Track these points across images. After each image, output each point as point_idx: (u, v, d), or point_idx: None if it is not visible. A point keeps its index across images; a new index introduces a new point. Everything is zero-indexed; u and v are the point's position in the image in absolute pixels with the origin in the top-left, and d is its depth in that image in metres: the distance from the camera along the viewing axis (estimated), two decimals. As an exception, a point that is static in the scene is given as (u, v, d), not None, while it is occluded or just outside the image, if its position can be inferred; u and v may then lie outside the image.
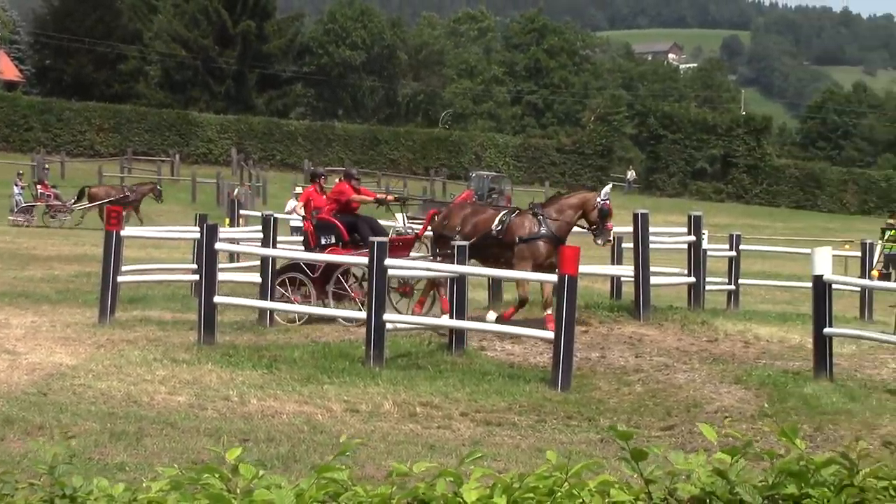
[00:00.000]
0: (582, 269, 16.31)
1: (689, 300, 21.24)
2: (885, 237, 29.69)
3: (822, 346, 14.96)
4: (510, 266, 17.47)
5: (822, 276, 15.12)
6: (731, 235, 25.32)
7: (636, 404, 13.36)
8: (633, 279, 19.51)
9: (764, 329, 19.21)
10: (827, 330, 14.91)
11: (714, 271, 25.72)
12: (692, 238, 20.84)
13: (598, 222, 17.57)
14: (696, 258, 20.95)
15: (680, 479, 3.13)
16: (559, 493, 2.96)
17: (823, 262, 15.28)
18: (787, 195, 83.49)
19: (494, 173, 67.40)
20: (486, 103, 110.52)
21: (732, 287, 24.01)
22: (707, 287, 21.78)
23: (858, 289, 22.62)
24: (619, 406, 13.24)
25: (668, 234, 24.07)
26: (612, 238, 18.25)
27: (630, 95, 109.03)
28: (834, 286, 15.63)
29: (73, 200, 43.86)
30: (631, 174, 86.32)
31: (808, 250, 16.75)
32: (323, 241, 18.86)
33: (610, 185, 18.77)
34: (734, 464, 3.13)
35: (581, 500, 2.94)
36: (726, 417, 12.39)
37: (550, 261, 17.10)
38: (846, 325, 18.54)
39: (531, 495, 2.97)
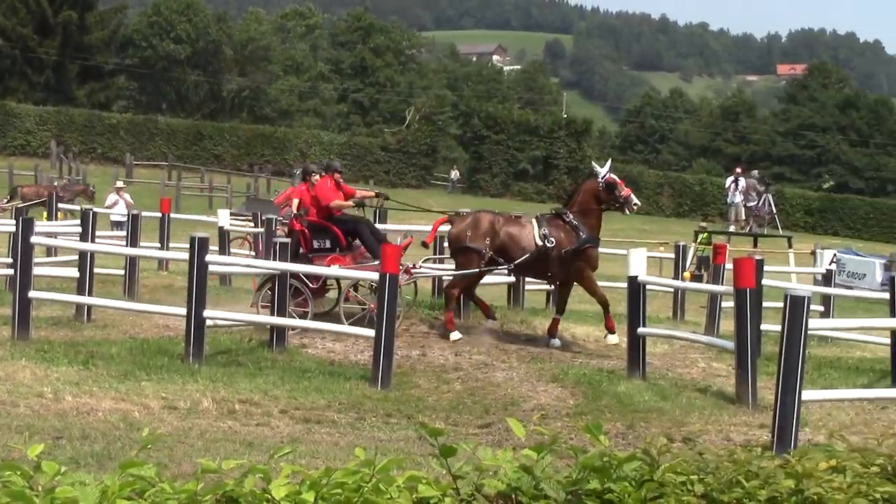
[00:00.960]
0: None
1: (509, 299, 21.51)
2: (699, 240, 30.55)
3: (636, 345, 15.33)
4: (555, 280, 18.22)
5: (636, 276, 15.49)
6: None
7: (455, 402, 13.47)
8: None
9: (581, 328, 19.57)
10: (640, 330, 15.28)
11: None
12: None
13: (616, 197, 17.78)
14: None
15: (488, 475, 3.20)
16: (366, 489, 3.00)
17: (638, 263, 15.67)
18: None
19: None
20: (312, 100, 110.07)
21: (551, 287, 24.38)
22: (526, 287, 22.07)
23: (672, 290, 23.21)
24: (438, 404, 13.34)
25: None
26: (637, 202, 17.98)
27: (455, 96, 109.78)
28: (648, 287, 16.04)
29: (6, 200, 42.22)
30: (455, 174, 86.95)
31: (624, 251, 17.13)
32: (316, 245, 17.83)
33: (609, 163, 18.38)
34: (540, 460, 3.21)
35: (388, 496, 2.99)
36: (542, 415, 12.62)
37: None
38: (659, 325, 19.04)
39: (339, 491, 3.00)
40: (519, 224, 17.82)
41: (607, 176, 17.64)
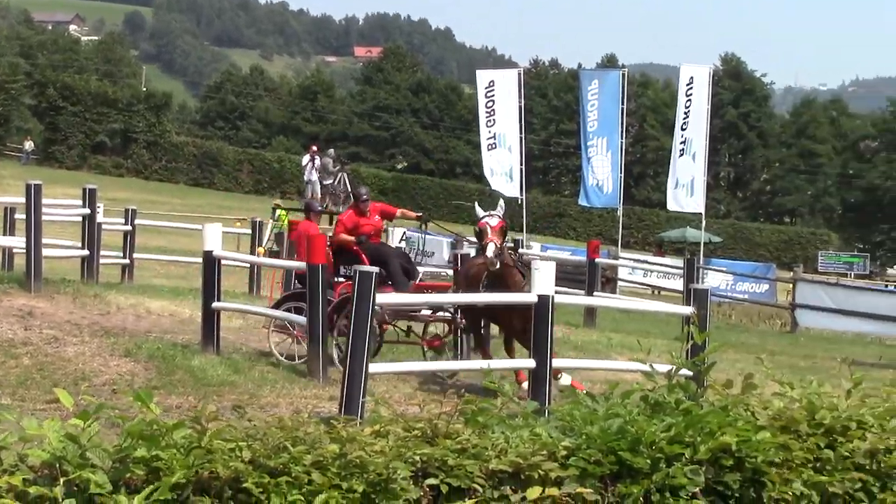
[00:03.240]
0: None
1: (83, 273, 21.05)
2: (276, 216, 30.84)
3: (210, 319, 15.40)
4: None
5: (211, 251, 15.54)
6: (127, 210, 25.32)
7: (23, 377, 13.10)
8: (24, 251, 19.05)
9: (156, 303, 19.41)
10: (215, 304, 15.37)
11: (110, 245, 25.60)
12: (87, 211, 20.65)
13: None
14: (90, 231, 20.80)
15: (32, 445, 3.18)
16: None
17: (213, 237, 15.72)
18: (185, 172, 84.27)
19: None
20: None
21: (127, 261, 24.06)
22: (102, 261, 21.68)
23: (248, 265, 23.40)
24: (5, 379, 12.93)
25: (63, 207, 23.69)
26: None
27: (28, 64, 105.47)
28: (223, 262, 16.12)
29: None
30: (29, 145, 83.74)
31: (200, 227, 17.12)
32: (342, 272, 15.93)
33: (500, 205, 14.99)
34: (87, 428, 3.22)
35: None
36: (113, 389, 12.47)
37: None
38: (235, 300, 19.13)
39: None
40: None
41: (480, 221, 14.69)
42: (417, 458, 4.08)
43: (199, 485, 3.34)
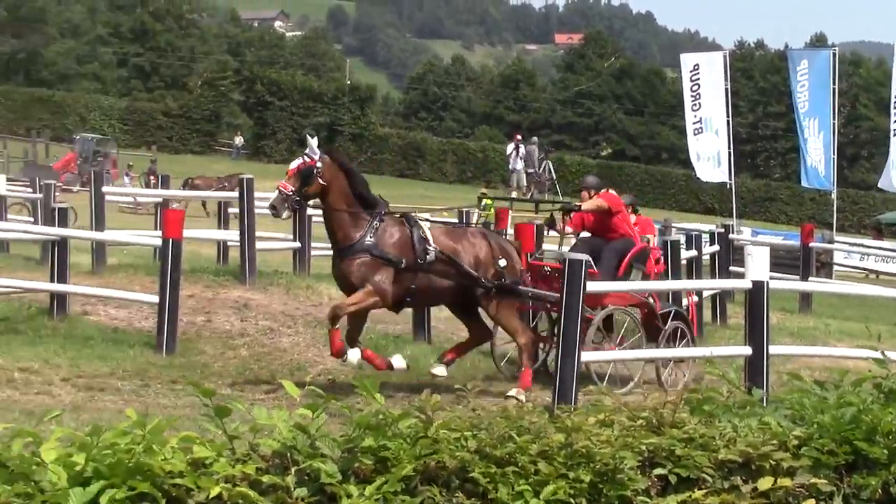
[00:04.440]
0: (187, 233, 16.22)
1: (295, 265, 21.44)
2: (482, 206, 31.00)
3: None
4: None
5: (419, 241, 15.61)
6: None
7: (241, 368, 13.43)
8: (238, 244, 19.51)
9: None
10: (425, 294, 15.43)
11: (320, 237, 26.00)
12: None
13: None
14: (301, 224, 21.16)
15: (263, 434, 3.22)
16: (137, 450, 2.98)
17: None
18: (390, 163, 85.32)
19: (100, 136, 65.59)
20: (91, 64, 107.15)
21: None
22: (312, 252, 22.05)
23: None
24: (224, 370, 13.28)
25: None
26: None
27: (237, 61, 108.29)
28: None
29: None
30: (239, 140, 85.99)
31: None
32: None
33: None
34: (315, 418, 3.24)
35: (162, 457, 2.98)
36: (329, 379, 12.66)
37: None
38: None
39: (110, 452, 2.97)
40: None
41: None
42: (644, 447, 4.01)
43: (427, 474, 3.34)
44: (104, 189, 21.89)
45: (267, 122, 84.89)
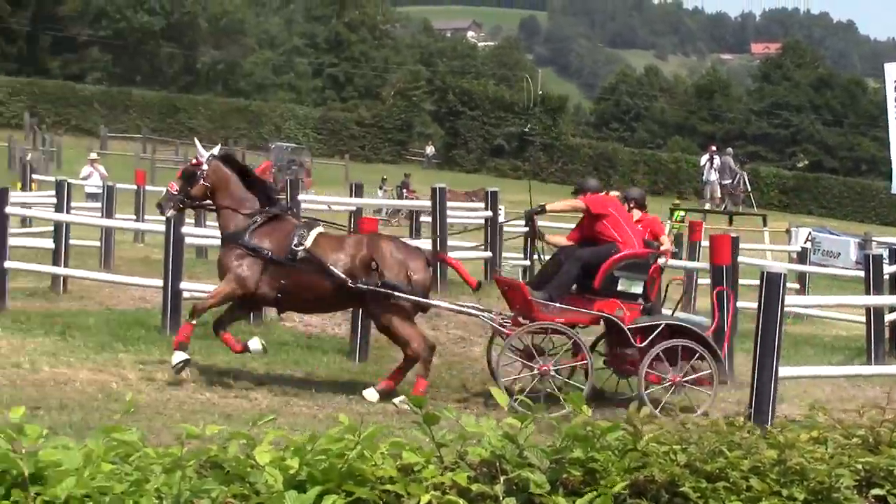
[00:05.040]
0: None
1: (486, 274, 21.47)
2: (674, 217, 30.60)
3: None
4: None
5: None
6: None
7: (432, 376, 13.46)
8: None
9: (562, 304, 19.52)
10: (617, 305, 15.27)
11: (511, 247, 26.05)
12: (489, 213, 21.10)
13: None
14: (492, 233, 21.21)
15: (471, 443, 3.20)
16: (350, 455, 2.99)
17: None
18: (581, 174, 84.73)
19: (294, 145, 67.00)
20: (287, 75, 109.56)
21: (528, 263, 24.37)
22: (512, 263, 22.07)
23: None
24: (415, 378, 13.34)
25: (466, 209, 24.32)
26: None
27: (429, 71, 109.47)
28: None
29: None
30: (430, 149, 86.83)
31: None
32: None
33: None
34: (524, 428, 3.21)
35: (373, 463, 2.98)
36: (520, 390, 12.61)
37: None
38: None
39: (323, 457, 2.99)
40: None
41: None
42: (860, 466, 3.87)
43: (636, 488, 3.28)
44: (300, 197, 22.29)
45: (458, 131, 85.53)
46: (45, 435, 2.92)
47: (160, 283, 14.95)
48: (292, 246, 12.35)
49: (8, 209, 15.90)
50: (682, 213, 30.32)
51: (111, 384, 11.70)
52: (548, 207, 13.20)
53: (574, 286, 12.71)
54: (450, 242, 20.08)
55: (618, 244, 12.74)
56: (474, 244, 23.03)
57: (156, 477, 2.88)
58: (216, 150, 13.21)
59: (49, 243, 18.45)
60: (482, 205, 22.65)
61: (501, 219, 22.41)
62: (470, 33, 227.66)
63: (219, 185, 12.77)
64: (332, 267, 12.23)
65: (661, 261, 13.66)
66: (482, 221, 21.97)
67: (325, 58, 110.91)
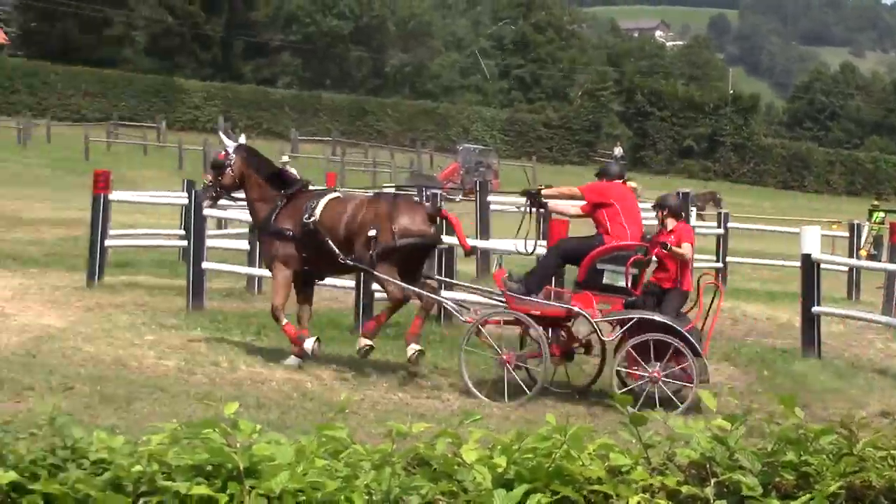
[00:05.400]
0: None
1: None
2: (873, 218, 29.79)
3: (811, 324, 14.99)
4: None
5: (810, 254, 15.16)
6: (719, 213, 25.29)
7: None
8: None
9: (752, 307, 19.22)
10: (815, 308, 14.95)
11: (701, 249, 25.69)
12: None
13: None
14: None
15: (679, 444, 3.13)
16: (557, 455, 2.95)
17: (812, 241, 15.34)
18: (773, 174, 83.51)
19: (482, 146, 67.33)
20: (474, 76, 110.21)
21: (720, 265, 24.00)
22: (694, 264, 21.71)
23: (846, 268, 22.67)
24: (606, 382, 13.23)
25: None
26: None
27: (616, 72, 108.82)
28: (822, 265, 15.67)
29: None
30: (618, 151, 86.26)
31: (795, 230, 16.78)
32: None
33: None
34: (734, 430, 3.13)
35: (580, 463, 2.94)
36: (715, 393, 12.39)
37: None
38: (834, 305, 18.55)
39: (530, 456, 2.96)
40: None
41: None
42: None
43: (852, 492, 3.16)
44: (488, 198, 22.33)
45: (647, 132, 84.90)
46: (258, 430, 2.96)
47: (352, 283, 15.12)
48: (303, 219, 12.97)
49: (205, 211, 16.29)
50: (882, 213, 29.44)
51: (306, 384, 11.90)
52: (544, 192, 13.07)
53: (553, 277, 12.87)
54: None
55: (604, 236, 12.40)
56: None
57: (365, 473, 2.89)
58: (242, 139, 14.24)
59: (244, 244, 18.84)
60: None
61: (692, 222, 22.09)
62: (658, 33, 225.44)
63: (245, 176, 13.47)
64: (339, 230, 12.84)
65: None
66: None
67: (511, 59, 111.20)
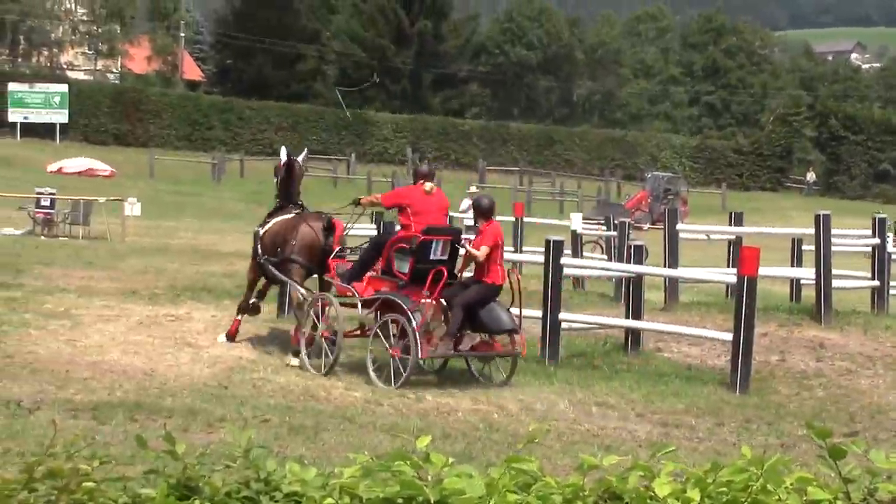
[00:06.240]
0: (760, 270, 15.97)
1: (873, 304, 20.64)
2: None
3: None
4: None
5: None
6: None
7: (817, 409, 13.06)
8: (813, 282, 19.00)
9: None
10: None
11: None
12: (876, 241, 20.29)
13: None
14: (880, 261, 20.40)
15: (881, 478, 3.03)
16: (754, 489, 2.88)
17: None
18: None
19: (670, 174, 66.64)
20: (663, 104, 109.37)
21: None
22: (892, 291, 21.12)
23: None
24: (800, 410, 12.96)
25: (851, 237, 23.44)
26: None
27: (810, 96, 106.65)
28: None
29: None
30: (811, 176, 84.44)
31: None
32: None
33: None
34: (939, 464, 3.01)
35: (777, 497, 2.86)
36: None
37: None
38: None
39: (725, 490, 2.89)
40: None
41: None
42: None
43: None
44: (678, 227, 22.07)
45: (840, 157, 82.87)
46: (449, 464, 2.96)
47: (538, 313, 15.11)
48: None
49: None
50: None
51: (492, 415, 11.93)
52: (362, 200, 15.27)
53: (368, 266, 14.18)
54: (834, 271, 19.33)
55: (398, 231, 14.35)
56: (860, 273, 22.21)
57: (557, 507, 2.86)
58: (302, 157, 16.66)
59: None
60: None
61: (890, 248, 21.46)
62: (854, 55, 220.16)
63: (280, 186, 16.16)
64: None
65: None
66: (868, 249, 21.13)
67: (701, 86, 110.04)
